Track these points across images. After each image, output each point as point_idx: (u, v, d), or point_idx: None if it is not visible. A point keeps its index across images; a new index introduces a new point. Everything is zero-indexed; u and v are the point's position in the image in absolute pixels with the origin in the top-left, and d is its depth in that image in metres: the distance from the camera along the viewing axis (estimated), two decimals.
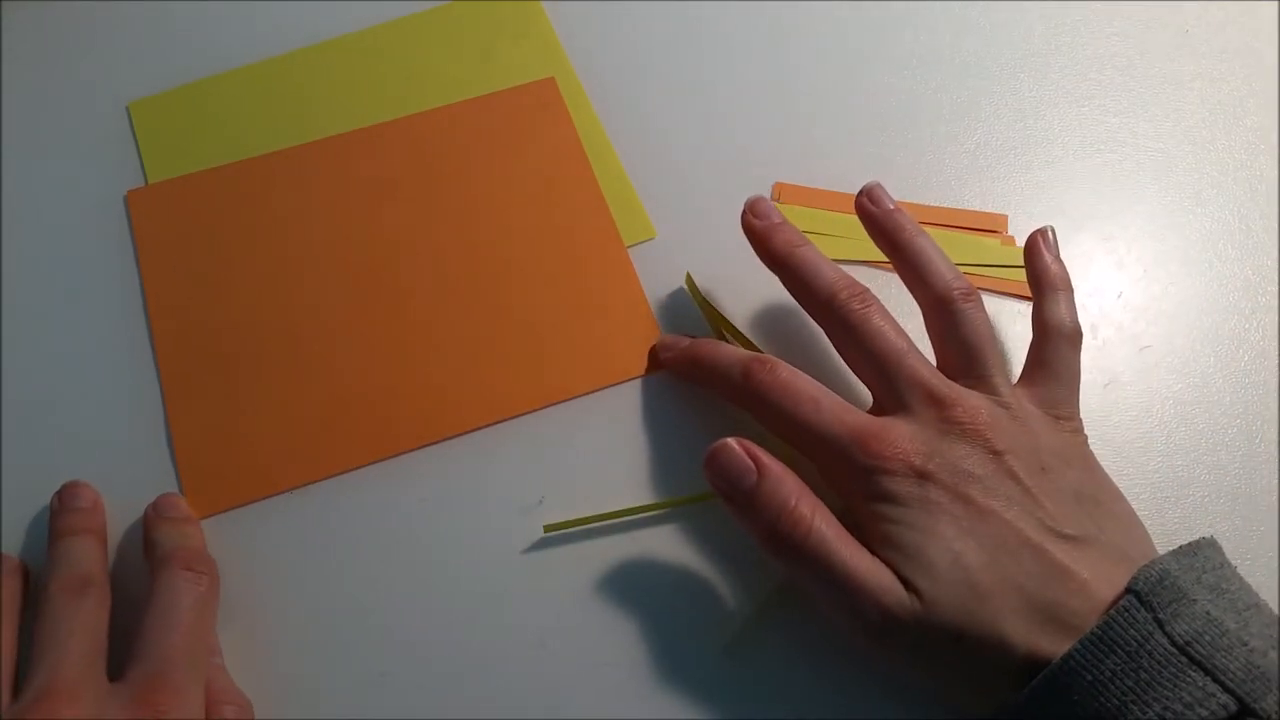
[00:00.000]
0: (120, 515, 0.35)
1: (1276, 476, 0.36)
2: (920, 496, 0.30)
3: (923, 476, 0.30)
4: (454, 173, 0.42)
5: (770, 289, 0.40)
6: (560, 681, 0.33)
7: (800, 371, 0.33)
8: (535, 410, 0.37)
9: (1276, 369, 0.39)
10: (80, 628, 0.31)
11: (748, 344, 0.38)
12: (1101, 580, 0.28)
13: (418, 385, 0.38)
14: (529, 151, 0.43)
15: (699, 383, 0.37)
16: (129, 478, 0.36)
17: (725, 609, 0.34)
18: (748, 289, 0.40)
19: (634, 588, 0.34)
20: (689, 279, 0.39)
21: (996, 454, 0.31)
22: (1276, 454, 0.37)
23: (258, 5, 0.47)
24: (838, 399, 0.33)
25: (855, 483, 0.31)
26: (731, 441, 0.31)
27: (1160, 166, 0.43)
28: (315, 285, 0.40)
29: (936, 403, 0.32)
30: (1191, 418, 0.38)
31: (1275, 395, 0.38)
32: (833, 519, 0.30)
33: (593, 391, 0.38)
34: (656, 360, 0.38)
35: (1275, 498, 0.36)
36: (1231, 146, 0.44)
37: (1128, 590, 0.27)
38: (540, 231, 0.41)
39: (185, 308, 0.39)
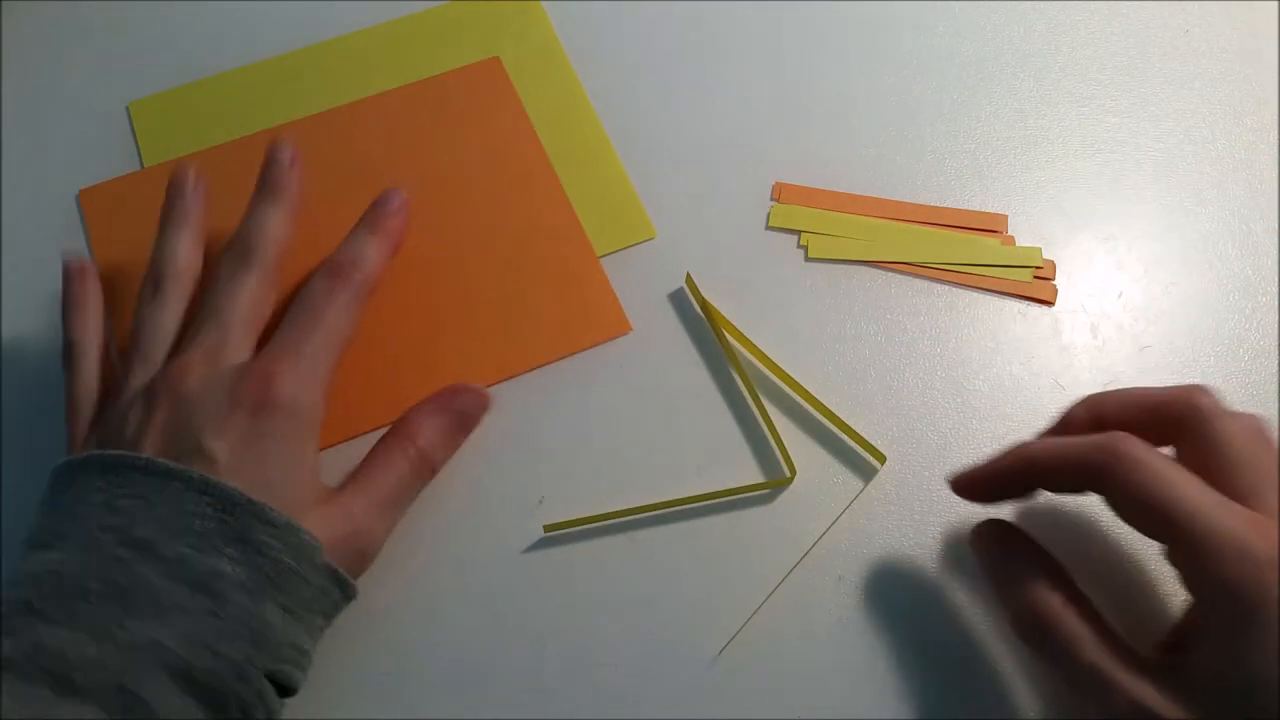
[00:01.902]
0: None
1: (1276, 476, 0.36)
2: None
3: None
4: (405, 154, 0.43)
5: (770, 289, 0.40)
6: (560, 681, 0.33)
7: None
8: (509, 378, 0.38)
9: (1276, 369, 0.39)
10: (237, 298, 0.33)
11: (748, 344, 0.38)
12: None
13: (379, 366, 0.38)
14: (476, 130, 0.43)
15: (1030, 490, 0.32)
16: None
17: (724, 609, 0.34)
18: (748, 289, 0.40)
19: (634, 588, 0.34)
20: (689, 279, 0.39)
21: None
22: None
23: (257, 5, 0.47)
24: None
25: (1236, 579, 0.26)
26: (1001, 520, 0.32)
27: (1160, 166, 0.43)
28: None
29: None
30: None
31: (1275, 395, 0.38)
32: (1086, 613, 0.29)
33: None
34: (970, 489, 0.33)
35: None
36: (1231, 146, 0.44)
37: None
38: (491, 207, 0.41)
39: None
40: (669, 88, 0.45)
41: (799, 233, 0.41)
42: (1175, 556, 0.28)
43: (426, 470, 0.34)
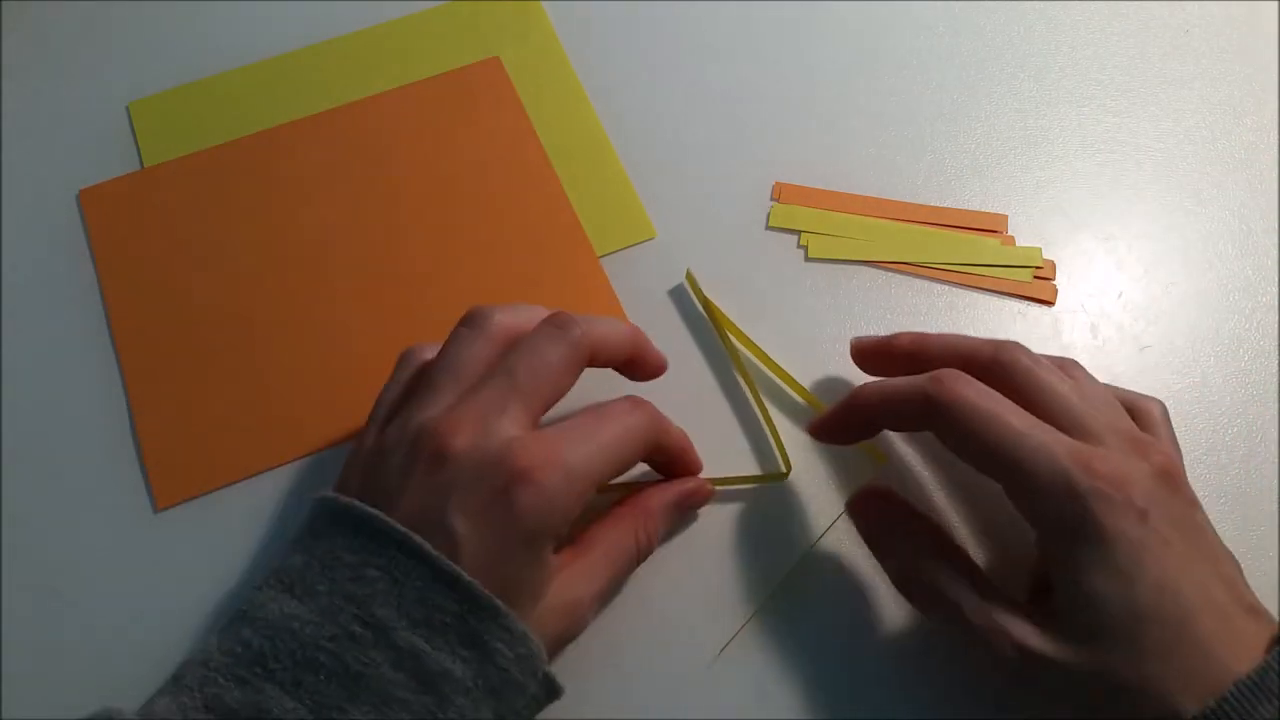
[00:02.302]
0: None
1: (1276, 476, 0.36)
2: (1139, 539, 0.27)
3: (1142, 516, 0.28)
4: (405, 154, 0.43)
5: (770, 289, 0.40)
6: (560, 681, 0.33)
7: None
8: None
9: (1276, 369, 0.39)
10: (537, 365, 0.30)
11: (748, 342, 0.38)
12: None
13: (379, 368, 0.37)
14: (476, 130, 0.43)
15: (871, 430, 0.34)
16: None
17: (723, 611, 0.34)
18: (748, 289, 0.40)
19: (633, 588, 0.34)
20: (689, 275, 0.39)
21: (1192, 504, 0.30)
22: (1276, 454, 0.37)
23: (257, 5, 0.47)
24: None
25: (1062, 512, 0.28)
26: (877, 487, 0.33)
27: (1160, 166, 0.43)
28: (271, 269, 0.40)
29: (1136, 445, 0.29)
30: (1191, 418, 0.38)
31: (1275, 395, 0.38)
32: (962, 564, 0.30)
33: None
34: (822, 433, 0.35)
35: (1275, 497, 0.36)
36: (1231, 146, 0.44)
37: (1277, 640, 0.27)
38: (491, 207, 0.41)
39: (143, 302, 0.39)
40: (669, 88, 0.45)
41: (799, 233, 0.41)
42: (1009, 495, 0.29)
43: (646, 555, 0.33)
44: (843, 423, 0.33)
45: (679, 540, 0.35)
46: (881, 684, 0.33)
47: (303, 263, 0.40)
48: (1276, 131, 0.44)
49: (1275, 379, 0.38)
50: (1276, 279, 0.40)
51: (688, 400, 0.37)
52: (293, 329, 0.39)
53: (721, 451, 0.36)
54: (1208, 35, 0.46)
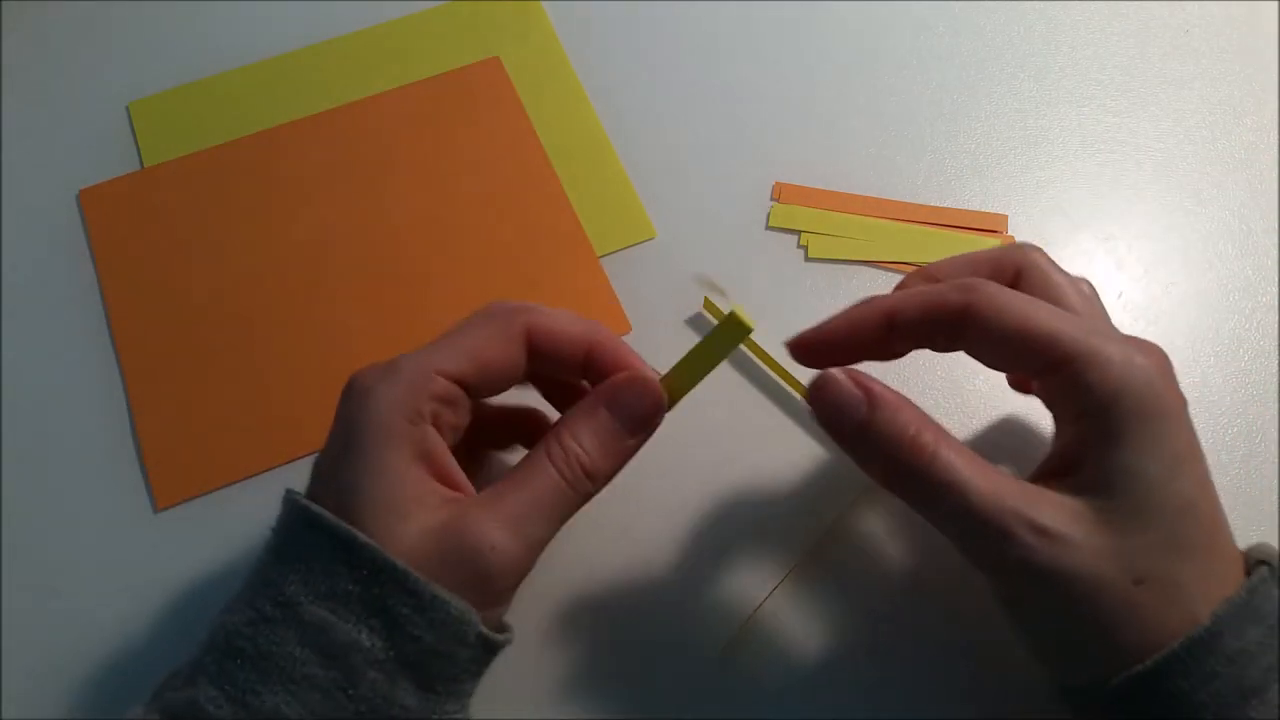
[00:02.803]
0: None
1: (1276, 476, 0.36)
2: (1184, 429, 0.27)
3: (1185, 406, 0.27)
4: (405, 154, 0.43)
5: (770, 289, 0.40)
6: (560, 682, 0.33)
7: None
8: None
9: (1276, 369, 0.39)
10: (458, 335, 0.29)
11: (750, 343, 0.38)
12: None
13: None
14: (476, 130, 0.43)
15: (877, 345, 0.30)
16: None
17: (723, 610, 0.34)
18: (748, 289, 0.40)
19: (634, 588, 0.34)
20: (708, 303, 0.39)
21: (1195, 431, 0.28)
22: (1276, 454, 0.37)
23: (257, 5, 0.47)
24: None
25: (1123, 386, 0.26)
26: (836, 372, 0.28)
27: (1160, 166, 0.43)
28: (271, 269, 0.40)
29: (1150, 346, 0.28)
30: (1191, 417, 0.37)
31: (1275, 395, 0.38)
32: (962, 448, 0.27)
33: None
34: (806, 350, 0.31)
35: (1275, 498, 0.36)
36: (1231, 146, 0.44)
37: (1260, 562, 0.26)
38: (491, 207, 0.41)
39: (143, 302, 0.39)
40: (669, 88, 0.45)
41: (799, 233, 0.41)
42: (1053, 381, 0.27)
43: (581, 479, 0.28)
44: (859, 334, 0.30)
45: (679, 540, 0.35)
46: (882, 684, 0.33)
47: (303, 263, 0.40)
48: (1276, 131, 0.44)
49: (1275, 379, 0.38)
50: (1276, 279, 0.40)
51: (686, 402, 0.37)
52: (292, 329, 0.39)
53: (721, 453, 0.36)
54: (1208, 35, 0.46)
